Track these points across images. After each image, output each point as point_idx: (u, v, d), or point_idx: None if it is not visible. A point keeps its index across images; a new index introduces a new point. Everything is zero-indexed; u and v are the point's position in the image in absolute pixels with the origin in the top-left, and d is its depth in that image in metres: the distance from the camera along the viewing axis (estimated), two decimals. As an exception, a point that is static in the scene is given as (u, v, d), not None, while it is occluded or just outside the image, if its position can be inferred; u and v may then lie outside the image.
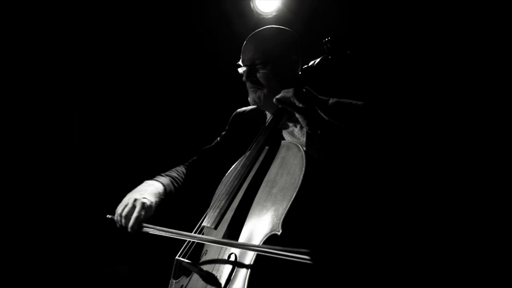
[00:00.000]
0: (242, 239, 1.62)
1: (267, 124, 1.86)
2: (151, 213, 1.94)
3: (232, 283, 1.54)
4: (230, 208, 1.70)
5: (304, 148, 1.69)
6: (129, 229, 1.88)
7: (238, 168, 1.80)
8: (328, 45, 1.95)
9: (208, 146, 2.28)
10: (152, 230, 1.85)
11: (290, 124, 2.00)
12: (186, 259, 1.68)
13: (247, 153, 1.84)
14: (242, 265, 1.55)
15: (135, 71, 3.47)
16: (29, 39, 3.20)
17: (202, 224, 1.74)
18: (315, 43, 2.11)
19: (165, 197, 2.03)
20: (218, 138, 2.29)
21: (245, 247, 1.56)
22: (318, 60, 1.97)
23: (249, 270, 1.52)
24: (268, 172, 1.71)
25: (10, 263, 3.06)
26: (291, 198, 1.54)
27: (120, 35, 3.41)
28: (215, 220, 1.69)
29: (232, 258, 1.59)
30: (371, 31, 3.09)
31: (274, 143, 1.79)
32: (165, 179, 2.10)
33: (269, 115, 2.10)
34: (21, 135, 3.19)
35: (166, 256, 3.10)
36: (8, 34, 3.13)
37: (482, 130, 2.95)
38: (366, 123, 1.88)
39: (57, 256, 3.21)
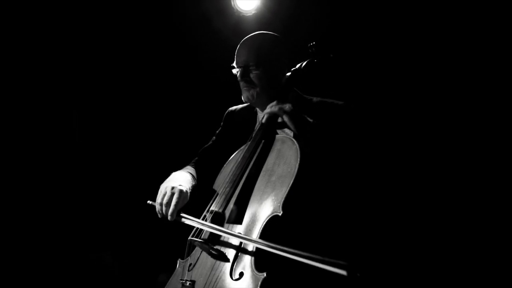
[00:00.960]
0: (246, 220, 1.86)
1: (263, 121, 2.10)
2: (187, 200, 2.07)
3: (240, 259, 1.79)
4: (234, 194, 1.95)
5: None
6: (169, 217, 1.97)
7: (239, 159, 2.05)
8: (313, 49, 2.22)
9: (207, 145, 2.51)
10: (189, 221, 1.94)
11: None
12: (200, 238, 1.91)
13: (246, 147, 2.09)
14: (247, 244, 1.80)
15: (127, 71, 3.62)
16: (28, 40, 3.29)
17: (211, 209, 1.98)
18: (294, 40, 2.36)
19: (193, 187, 2.17)
20: (214, 137, 2.52)
21: (271, 246, 1.65)
22: (304, 63, 2.24)
23: (254, 247, 1.77)
24: (266, 163, 1.97)
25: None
26: (289, 184, 1.80)
27: (114, 35, 3.55)
28: (222, 204, 1.93)
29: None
30: (350, 31, 3.31)
31: (269, 138, 2.05)
32: (190, 169, 2.31)
33: (259, 112, 2.36)
34: (21, 135, 3.31)
35: (152, 243, 3.34)
36: (7, 35, 3.22)
37: (460, 126, 3.16)
38: (345, 120, 2.16)
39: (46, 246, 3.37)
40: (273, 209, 1.80)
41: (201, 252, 1.95)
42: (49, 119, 3.40)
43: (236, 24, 3.43)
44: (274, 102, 2.07)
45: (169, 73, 3.72)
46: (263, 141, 2.05)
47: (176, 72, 3.72)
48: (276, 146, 2.00)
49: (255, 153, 2.02)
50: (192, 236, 1.95)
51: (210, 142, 2.52)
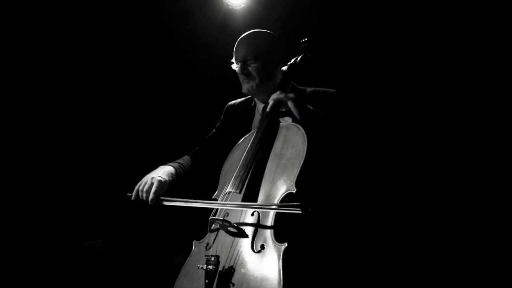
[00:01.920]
0: (260, 198, 2.06)
1: (268, 109, 2.30)
2: (165, 189, 2.35)
3: (260, 233, 1.97)
4: (247, 177, 2.14)
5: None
6: (149, 202, 2.28)
7: (248, 146, 2.24)
8: (306, 45, 2.45)
9: (207, 137, 2.73)
10: (170, 202, 2.28)
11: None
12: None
13: (253, 134, 2.28)
14: (265, 220, 1.99)
15: (127, 71, 3.72)
16: (28, 40, 3.32)
17: (227, 191, 2.16)
18: (285, 33, 2.57)
19: (176, 178, 2.45)
20: (214, 130, 2.73)
21: (247, 206, 2.04)
22: (299, 57, 2.46)
23: (272, 223, 1.97)
24: (274, 147, 2.17)
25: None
26: (299, 165, 2.01)
27: (113, 35, 3.63)
28: (238, 186, 2.12)
29: (256, 215, 2.03)
30: (338, 23, 3.51)
31: (274, 125, 2.25)
32: (175, 164, 2.54)
33: (258, 104, 2.57)
34: (21, 135, 3.34)
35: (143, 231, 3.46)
36: (7, 35, 3.23)
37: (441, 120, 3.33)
38: (338, 107, 2.41)
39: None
40: (287, 187, 2.00)
41: (218, 231, 2.12)
42: (49, 119, 3.45)
43: (223, 18, 3.61)
44: (278, 92, 2.27)
45: (163, 71, 3.84)
46: (269, 128, 2.25)
47: (168, 70, 3.84)
48: (282, 132, 2.20)
49: (263, 139, 2.22)
50: (213, 216, 2.13)
51: (210, 134, 2.73)
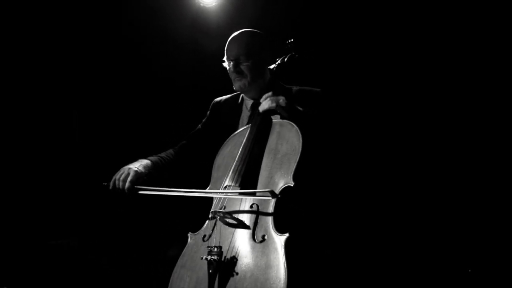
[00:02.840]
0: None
1: (261, 110, 2.39)
2: (141, 180, 2.47)
3: (260, 224, 2.07)
4: (245, 170, 2.23)
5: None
6: (126, 190, 2.41)
7: (244, 141, 2.33)
8: (292, 45, 2.58)
9: (193, 131, 2.81)
10: (145, 191, 2.40)
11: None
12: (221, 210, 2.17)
13: (248, 130, 2.37)
14: (264, 210, 2.09)
15: (126, 71, 3.72)
16: (28, 40, 3.29)
17: (225, 184, 2.24)
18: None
19: (154, 170, 2.56)
20: (200, 125, 2.81)
21: (227, 194, 2.20)
22: (287, 57, 2.58)
23: (272, 212, 2.08)
24: (268, 143, 2.27)
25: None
26: (296, 160, 2.13)
27: (112, 35, 3.61)
28: (237, 179, 2.20)
29: (255, 207, 2.12)
30: (303, 23, 3.63)
31: (267, 122, 2.36)
32: (153, 158, 2.62)
33: (247, 99, 2.67)
34: (21, 134, 3.31)
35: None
36: (7, 35, 3.19)
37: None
38: (324, 105, 2.56)
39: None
40: (285, 181, 2.11)
41: (216, 223, 2.19)
42: (49, 119, 3.42)
43: (195, 15, 3.66)
44: (270, 93, 2.35)
45: (138, 71, 3.85)
46: (262, 125, 2.35)
47: (142, 69, 3.84)
48: (276, 129, 2.31)
49: (257, 135, 2.32)
50: (214, 208, 2.20)
51: (196, 129, 2.80)
